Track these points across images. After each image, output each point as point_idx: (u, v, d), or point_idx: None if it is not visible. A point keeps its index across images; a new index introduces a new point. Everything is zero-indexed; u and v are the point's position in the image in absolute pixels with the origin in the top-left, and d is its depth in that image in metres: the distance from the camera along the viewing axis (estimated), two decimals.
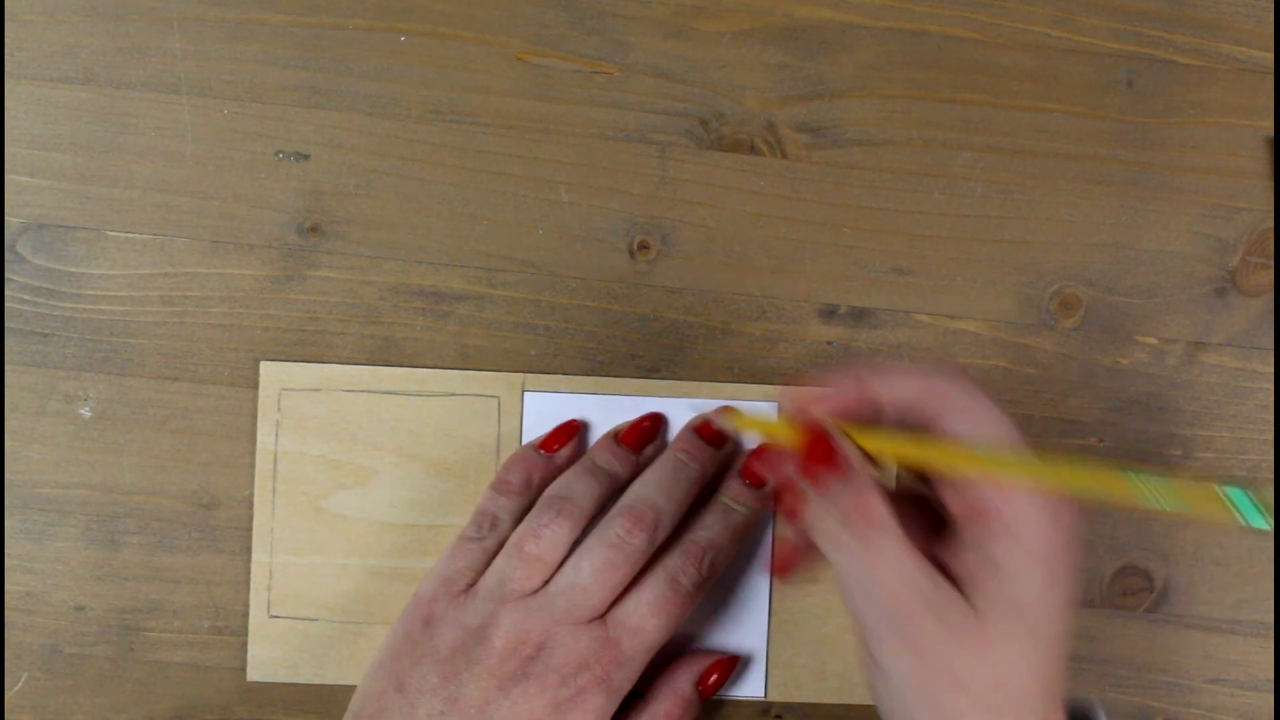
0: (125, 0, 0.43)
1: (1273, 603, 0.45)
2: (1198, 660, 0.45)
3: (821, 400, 0.37)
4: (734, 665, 0.43)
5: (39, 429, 0.43)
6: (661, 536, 0.40)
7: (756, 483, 0.43)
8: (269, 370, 0.43)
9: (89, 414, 0.44)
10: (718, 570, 0.41)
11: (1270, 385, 0.45)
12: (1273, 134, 0.45)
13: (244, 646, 0.44)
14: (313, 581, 0.43)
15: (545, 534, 0.40)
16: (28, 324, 0.43)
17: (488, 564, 0.41)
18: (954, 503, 0.35)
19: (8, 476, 0.43)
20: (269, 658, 0.43)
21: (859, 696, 0.44)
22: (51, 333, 0.43)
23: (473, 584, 0.40)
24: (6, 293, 0.43)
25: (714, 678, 0.43)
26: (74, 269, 0.43)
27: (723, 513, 0.42)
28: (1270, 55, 0.45)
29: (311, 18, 0.44)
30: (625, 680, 0.40)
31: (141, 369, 0.44)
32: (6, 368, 0.43)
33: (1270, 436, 0.45)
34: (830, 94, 0.45)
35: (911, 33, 0.45)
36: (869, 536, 0.34)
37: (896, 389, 0.36)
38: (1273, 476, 0.45)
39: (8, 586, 0.43)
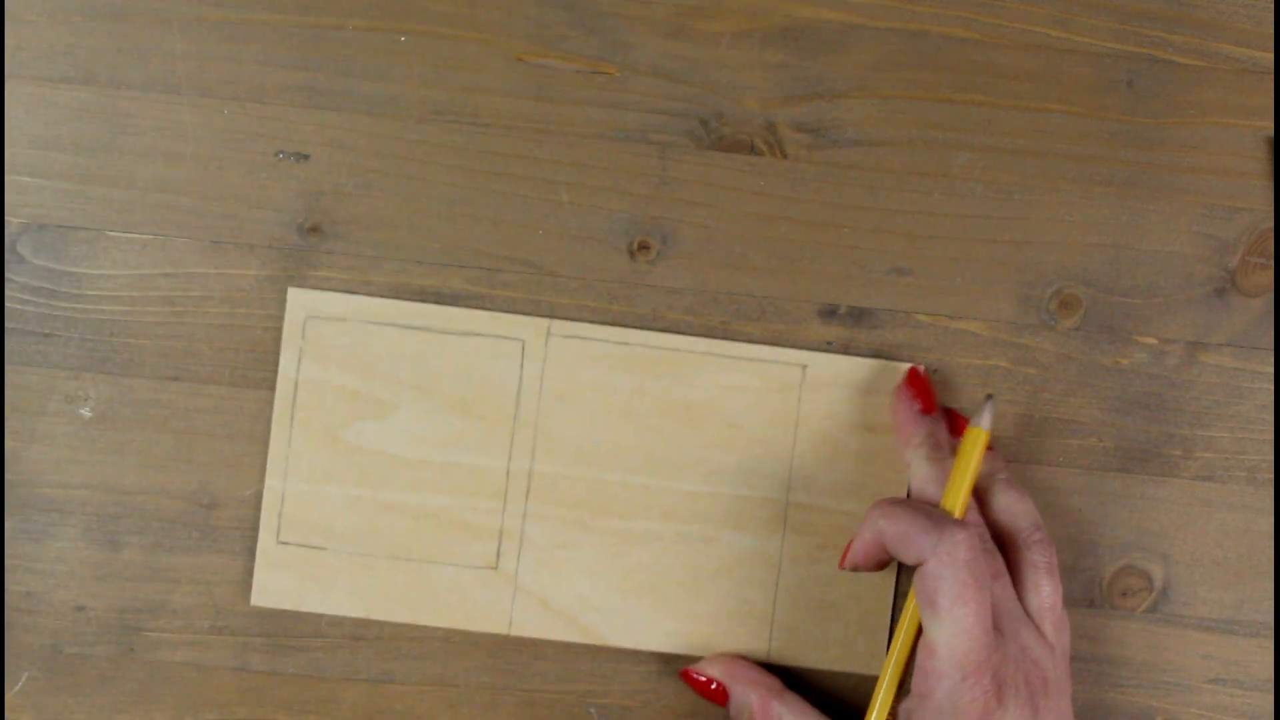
0: (125, 0, 0.43)
1: (1273, 603, 0.45)
2: (1198, 660, 0.45)
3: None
4: None
5: (39, 429, 0.43)
6: None
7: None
8: (296, 297, 0.43)
9: (89, 414, 0.44)
10: None
11: (1270, 385, 0.45)
12: (1273, 134, 0.45)
13: (245, 646, 0.44)
14: (323, 510, 0.43)
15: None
16: (28, 324, 0.43)
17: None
18: None
19: (8, 476, 0.43)
20: (275, 584, 0.43)
21: (859, 665, 0.44)
22: (52, 333, 0.43)
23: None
24: (6, 293, 0.43)
25: None
26: (74, 269, 0.43)
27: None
28: (1270, 55, 0.45)
29: (311, 18, 0.44)
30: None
31: (142, 369, 0.44)
32: (6, 368, 0.43)
33: (1270, 436, 0.45)
34: (830, 94, 0.45)
35: (911, 33, 0.45)
36: None
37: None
38: (1273, 476, 0.45)
39: (8, 586, 0.43)
